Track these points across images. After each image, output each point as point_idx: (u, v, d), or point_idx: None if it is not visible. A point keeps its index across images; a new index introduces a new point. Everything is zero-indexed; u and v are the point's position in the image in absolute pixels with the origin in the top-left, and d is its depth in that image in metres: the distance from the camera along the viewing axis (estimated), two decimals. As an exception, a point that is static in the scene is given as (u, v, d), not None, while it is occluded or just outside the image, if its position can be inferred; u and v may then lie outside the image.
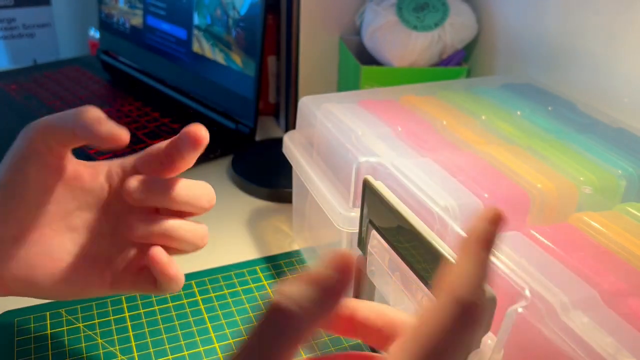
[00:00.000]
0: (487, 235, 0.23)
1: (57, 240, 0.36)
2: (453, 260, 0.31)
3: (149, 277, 0.38)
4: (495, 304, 0.29)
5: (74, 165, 0.37)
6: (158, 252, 0.36)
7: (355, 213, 0.42)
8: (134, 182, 0.36)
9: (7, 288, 0.36)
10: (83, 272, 0.37)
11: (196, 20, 0.77)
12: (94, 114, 0.35)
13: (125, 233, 0.37)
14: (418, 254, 0.34)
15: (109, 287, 0.38)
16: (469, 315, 0.21)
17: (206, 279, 0.52)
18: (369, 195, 0.39)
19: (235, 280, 0.52)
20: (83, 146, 0.36)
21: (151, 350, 0.44)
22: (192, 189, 0.38)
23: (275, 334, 0.21)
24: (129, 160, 0.39)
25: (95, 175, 0.38)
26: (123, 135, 0.34)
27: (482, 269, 0.23)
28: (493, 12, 0.71)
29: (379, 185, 0.38)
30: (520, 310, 0.30)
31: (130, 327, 0.46)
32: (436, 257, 0.32)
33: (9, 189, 0.35)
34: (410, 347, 0.21)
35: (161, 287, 0.38)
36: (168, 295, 0.50)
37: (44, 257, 0.36)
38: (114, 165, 0.39)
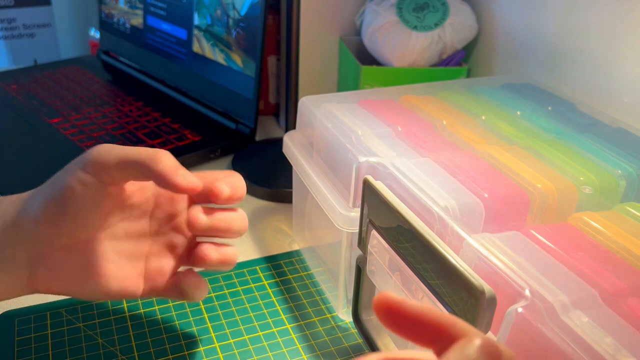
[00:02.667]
0: None
1: (101, 249, 0.38)
2: (453, 261, 0.31)
3: (179, 284, 0.40)
4: (495, 303, 0.29)
5: (125, 185, 0.39)
6: (208, 248, 0.39)
7: (355, 213, 0.42)
8: (199, 214, 0.38)
9: (50, 290, 0.38)
10: (121, 278, 0.39)
11: (196, 20, 0.77)
12: (169, 160, 0.36)
13: (187, 227, 0.38)
14: (418, 254, 0.34)
15: (141, 292, 0.39)
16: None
17: (206, 279, 0.52)
18: (369, 195, 0.39)
19: (235, 280, 0.52)
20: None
21: (151, 350, 0.44)
22: (244, 220, 0.40)
23: None
24: None
25: (143, 191, 0.40)
26: (197, 185, 0.36)
27: None
28: (493, 12, 0.71)
29: (379, 185, 0.38)
30: (520, 310, 0.30)
31: (130, 327, 0.46)
32: (436, 257, 0.32)
33: (64, 206, 0.36)
34: None
35: (187, 295, 0.40)
36: (168, 295, 0.50)
37: (87, 264, 0.37)
38: None
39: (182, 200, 0.40)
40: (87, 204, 0.36)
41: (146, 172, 0.35)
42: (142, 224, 0.40)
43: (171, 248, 0.40)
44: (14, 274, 0.36)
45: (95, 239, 0.38)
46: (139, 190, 0.39)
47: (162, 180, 0.35)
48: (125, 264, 0.39)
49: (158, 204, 0.40)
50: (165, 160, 0.35)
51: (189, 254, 0.41)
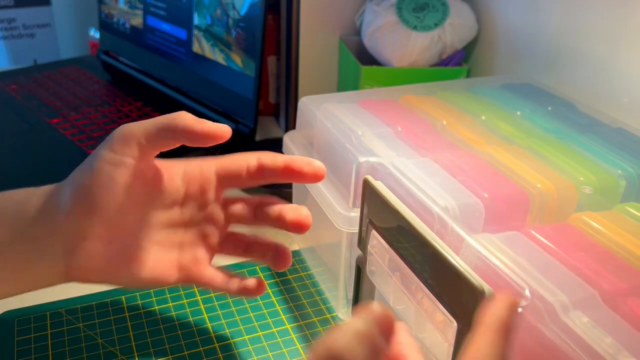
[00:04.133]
0: (506, 324, 0.25)
1: (134, 237, 0.38)
2: (453, 261, 0.31)
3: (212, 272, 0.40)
4: (495, 304, 0.29)
5: (154, 168, 0.39)
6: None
7: (355, 213, 0.42)
8: (306, 213, 0.39)
9: (87, 279, 0.38)
10: (154, 266, 0.39)
11: (196, 20, 0.77)
12: (190, 115, 0.36)
13: (297, 229, 0.39)
14: (418, 254, 0.34)
15: (175, 280, 0.39)
16: None
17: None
18: (369, 195, 0.39)
19: (235, 280, 0.52)
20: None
21: (151, 350, 0.44)
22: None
23: None
24: (208, 165, 0.40)
25: (172, 177, 0.40)
26: (225, 130, 0.37)
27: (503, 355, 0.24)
28: (493, 12, 0.71)
29: (379, 185, 0.38)
30: (520, 310, 0.30)
31: (130, 327, 0.46)
32: (436, 258, 0.32)
33: (96, 192, 0.36)
34: None
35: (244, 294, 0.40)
36: (168, 295, 0.50)
37: (122, 252, 0.37)
38: (191, 167, 0.40)
39: (211, 189, 0.40)
40: (117, 188, 0.36)
41: (172, 132, 0.36)
42: (174, 213, 0.40)
43: (204, 238, 0.40)
44: (50, 264, 0.36)
45: (128, 227, 0.38)
46: (168, 178, 0.39)
47: (189, 133, 0.36)
48: (159, 252, 0.39)
49: (188, 193, 0.40)
50: (185, 115, 0.36)
51: (222, 244, 0.41)
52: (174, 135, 0.36)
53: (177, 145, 0.37)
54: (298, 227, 0.38)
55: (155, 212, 0.39)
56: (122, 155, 0.36)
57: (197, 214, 0.40)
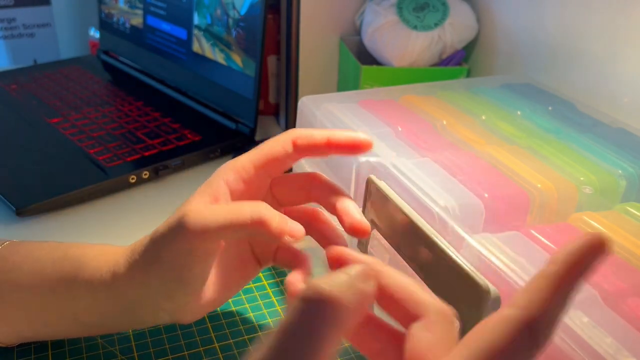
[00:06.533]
0: (584, 267, 0.22)
1: (209, 280, 0.37)
2: (459, 260, 0.31)
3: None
4: (500, 303, 0.29)
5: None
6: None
7: (355, 213, 0.42)
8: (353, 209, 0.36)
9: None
10: (226, 288, 0.39)
11: (196, 20, 0.77)
12: (278, 217, 0.33)
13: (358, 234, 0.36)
14: (421, 254, 0.34)
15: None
16: (534, 342, 0.21)
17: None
18: (372, 195, 0.39)
19: (235, 280, 0.52)
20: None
21: (151, 350, 0.44)
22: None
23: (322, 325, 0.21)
24: (247, 170, 0.37)
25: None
26: (300, 232, 0.34)
27: (565, 301, 0.21)
28: (493, 12, 0.71)
29: (383, 185, 0.38)
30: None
31: (130, 327, 0.46)
32: (441, 257, 0.32)
33: (176, 272, 0.35)
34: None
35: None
36: (168, 295, 0.50)
37: (203, 299, 0.37)
38: (235, 184, 0.37)
39: (259, 186, 0.38)
40: (197, 271, 0.35)
41: (257, 232, 0.33)
42: (235, 246, 0.40)
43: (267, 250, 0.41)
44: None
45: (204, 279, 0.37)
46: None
47: (277, 238, 0.33)
48: (226, 279, 0.39)
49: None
50: (273, 219, 0.33)
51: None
52: (258, 234, 0.34)
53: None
54: (355, 233, 0.35)
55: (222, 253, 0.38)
56: (201, 247, 0.34)
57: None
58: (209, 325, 0.47)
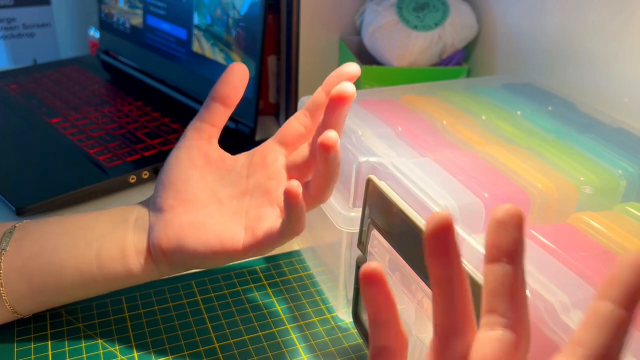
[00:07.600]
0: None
1: (205, 211, 0.42)
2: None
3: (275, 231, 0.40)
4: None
5: (219, 152, 0.44)
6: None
7: (356, 213, 0.42)
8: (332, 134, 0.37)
9: (165, 256, 0.42)
10: (221, 228, 0.41)
11: (196, 20, 0.77)
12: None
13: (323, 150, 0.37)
14: (421, 254, 0.34)
15: (242, 244, 0.40)
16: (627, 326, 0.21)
17: (206, 278, 0.52)
18: (372, 195, 0.39)
19: (235, 280, 0.52)
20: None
21: (151, 350, 0.44)
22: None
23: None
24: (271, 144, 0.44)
25: (237, 158, 0.44)
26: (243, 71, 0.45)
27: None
28: (493, 12, 0.71)
29: (383, 186, 0.38)
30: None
31: (130, 327, 0.46)
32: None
33: (166, 169, 0.43)
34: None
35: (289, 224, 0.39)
36: (168, 295, 0.50)
37: (193, 224, 0.41)
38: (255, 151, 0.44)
39: (273, 154, 0.43)
40: (182, 165, 0.42)
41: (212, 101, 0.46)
42: (241, 188, 0.43)
43: (267, 193, 0.41)
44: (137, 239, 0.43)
45: (198, 202, 0.42)
46: (232, 159, 0.44)
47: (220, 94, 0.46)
48: (226, 219, 0.41)
49: (251, 167, 0.43)
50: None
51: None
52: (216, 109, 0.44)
53: (225, 117, 0.44)
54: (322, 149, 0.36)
55: (223, 188, 0.43)
56: (184, 139, 0.43)
57: (261, 177, 0.42)
58: (209, 325, 0.47)
